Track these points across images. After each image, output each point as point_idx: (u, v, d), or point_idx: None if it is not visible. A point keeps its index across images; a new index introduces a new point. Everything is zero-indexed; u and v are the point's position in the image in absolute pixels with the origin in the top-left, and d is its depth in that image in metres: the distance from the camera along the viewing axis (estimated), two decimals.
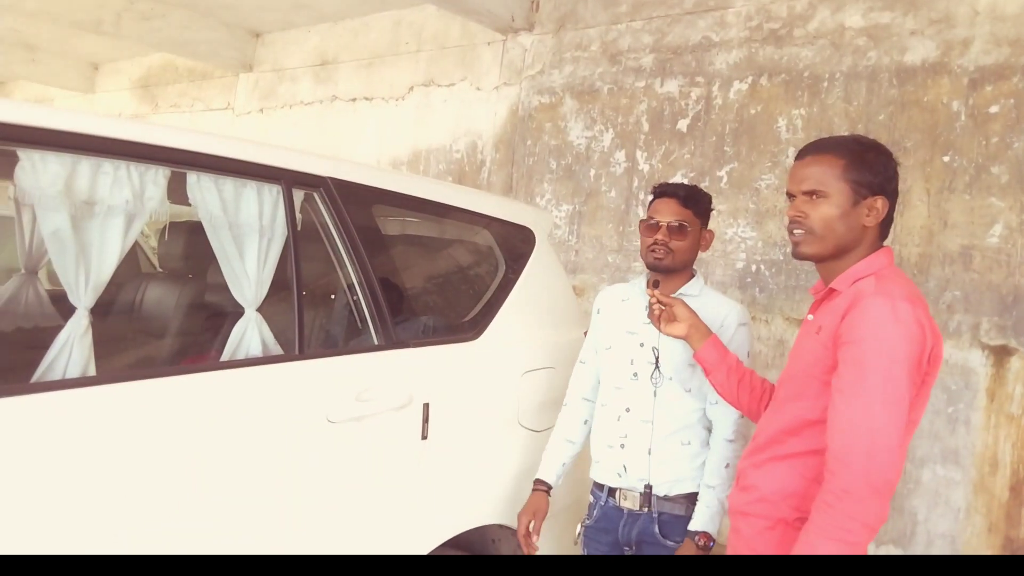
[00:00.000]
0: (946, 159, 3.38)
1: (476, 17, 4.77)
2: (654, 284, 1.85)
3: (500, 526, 2.10)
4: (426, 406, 1.92)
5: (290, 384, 1.69)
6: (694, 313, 1.76)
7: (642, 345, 1.93)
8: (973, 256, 3.28)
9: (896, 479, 1.24)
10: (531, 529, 1.99)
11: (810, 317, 1.47)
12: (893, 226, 3.82)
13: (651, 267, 1.93)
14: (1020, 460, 3.11)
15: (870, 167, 1.42)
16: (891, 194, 1.45)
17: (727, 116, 4.03)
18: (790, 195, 1.49)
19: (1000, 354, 3.18)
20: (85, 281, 1.47)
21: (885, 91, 3.57)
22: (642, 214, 4.02)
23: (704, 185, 4.07)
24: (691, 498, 1.88)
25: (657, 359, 1.89)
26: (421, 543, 1.90)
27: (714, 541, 1.82)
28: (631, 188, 4.35)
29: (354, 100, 5.95)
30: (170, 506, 1.45)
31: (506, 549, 2.18)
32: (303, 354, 1.74)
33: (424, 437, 1.92)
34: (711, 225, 2.01)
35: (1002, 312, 3.18)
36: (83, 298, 1.46)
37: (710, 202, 1.97)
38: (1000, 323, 3.19)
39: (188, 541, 1.46)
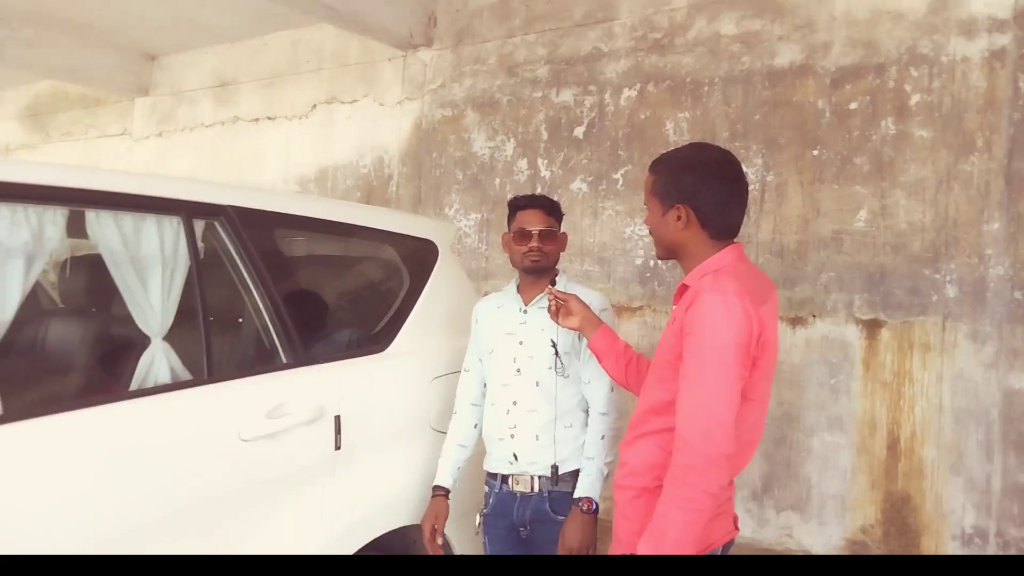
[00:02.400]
0: (815, 153, 3.69)
1: (374, 34, 4.86)
2: (551, 283, 2.05)
3: (418, 526, 2.20)
4: (337, 418, 2.02)
5: (200, 407, 1.76)
6: (587, 307, 1.94)
7: (521, 343, 2.12)
8: (844, 240, 3.59)
9: (732, 451, 1.43)
10: (435, 531, 2.11)
11: (674, 307, 1.65)
12: (773, 216, 4.02)
13: (528, 271, 2.15)
14: (894, 421, 3.43)
15: (674, 181, 1.59)
16: (697, 201, 1.55)
17: (619, 122, 4.26)
18: None
19: (871, 327, 3.50)
20: None
21: (759, 93, 3.86)
22: None
23: (601, 188, 4.30)
24: (576, 475, 2.06)
25: (556, 348, 2.07)
26: (342, 548, 1.99)
27: (597, 504, 2.00)
28: None
29: (257, 120, 5.93)
30: (88, 543, 1.49)
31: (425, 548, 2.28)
32: (212, 378, 1.81)
33: (337, 448, 2.02)
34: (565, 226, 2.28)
35: (871, 289, 3.51)
36: None
37: (561, 208, 2.24)
38: (870, 299, 3.51)
39: None
